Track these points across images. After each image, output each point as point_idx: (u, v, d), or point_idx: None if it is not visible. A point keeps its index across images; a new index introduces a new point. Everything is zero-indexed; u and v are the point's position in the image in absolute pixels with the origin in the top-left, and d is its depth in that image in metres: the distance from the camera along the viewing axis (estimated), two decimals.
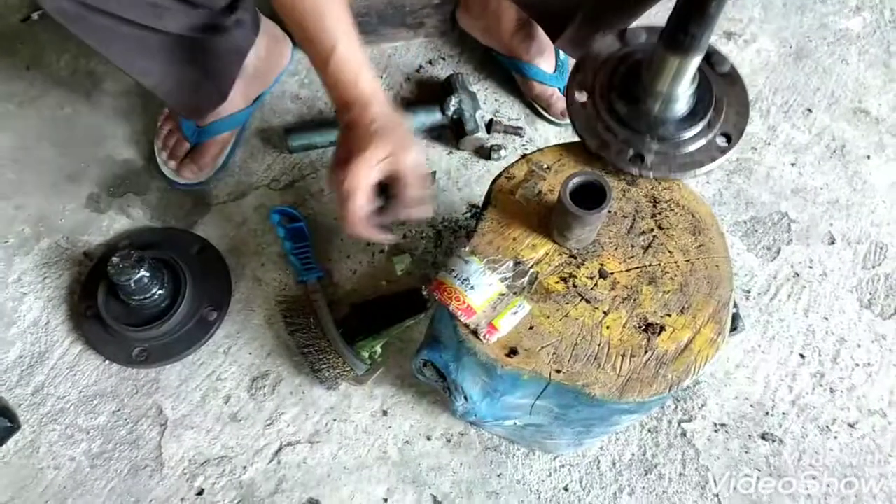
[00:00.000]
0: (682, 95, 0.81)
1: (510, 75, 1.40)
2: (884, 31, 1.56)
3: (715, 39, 1.39)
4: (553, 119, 1.37)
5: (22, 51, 1.41)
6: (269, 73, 1.32)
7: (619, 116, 0.84)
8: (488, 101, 1.40)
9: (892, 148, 1.41)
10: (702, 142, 0.84)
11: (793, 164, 1.38)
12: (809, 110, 1.45)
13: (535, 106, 1.38)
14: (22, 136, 1.33)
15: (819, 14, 1.57)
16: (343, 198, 0.84)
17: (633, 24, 1.12)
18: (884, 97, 1.48)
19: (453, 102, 1.31)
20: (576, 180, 0.80)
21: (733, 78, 0.87)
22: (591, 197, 0.79)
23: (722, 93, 0.85)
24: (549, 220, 0.88)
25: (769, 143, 1.40)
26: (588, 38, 1.18)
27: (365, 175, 0.83)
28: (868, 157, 1.40)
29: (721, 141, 0.85)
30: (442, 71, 1.43)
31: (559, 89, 1.36)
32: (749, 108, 0.87)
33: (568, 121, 1.36)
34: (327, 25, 0.82)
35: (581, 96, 0.86)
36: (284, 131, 1.31)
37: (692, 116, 0.83)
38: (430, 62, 1.44)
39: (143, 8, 0.89)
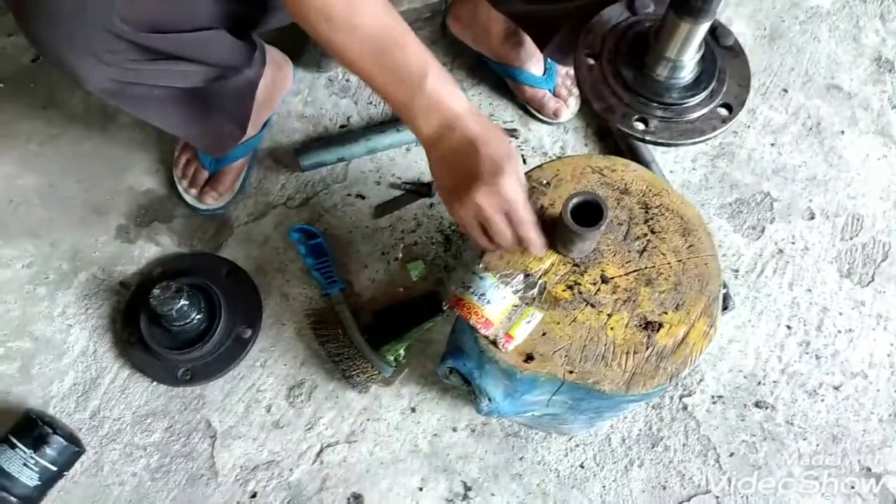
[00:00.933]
0: (689, 63, 0.84)
1: (502, 79, 1.47)
2: (852, 5, 1.64)
3: None
4: (546, 119, 1.46)
5: (36, 91, 1.48)
6: (275, 97, 1.40)
7: (626, 82, 0.87)
8: (483, 105, 1.48)
9: (864, 122, 1.51)
10: (704, 111, 0.88)
11: (772, 145, 1.48)
12: (785, 90, 1.54)
13: (527, 108, 1.47)
14: (47, 175, 1.41)
15: None
16: (493, 220, 0.84)
17: None
18: (854, 72, 1.56)
19: None
20: (575, 200, 0.88)
21: (736, 51, 0.91)
22: (589, 213, 0.88)
23: (725, 64, 0.89)
24: (553, 234, 0.97)
25: (749, 126, 1.49)
26: (574, 47, 1.25)
27: (519, 186, 0.84)
28: (842, 132, 1.49)
29: (722, 111, 0.88)
30: None
31: (549, 91, 1.44)
32: (750, 81, 0.90)
33: (560, 120, 1.45)
34: (411, 51, 0.82)
35: (589, 60, 0.89)
36: (294, 151, 1.39)
37: (696, 85, 0.87)
38: None
39: (173, 75, 0.97)
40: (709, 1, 0.75)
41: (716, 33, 0.89)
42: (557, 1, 1.06)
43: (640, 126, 0.87)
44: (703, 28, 0.79)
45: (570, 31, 1.21)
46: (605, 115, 0.88)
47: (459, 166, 0.84)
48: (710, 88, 0.87)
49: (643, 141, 0.88)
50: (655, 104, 0.87)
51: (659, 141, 0.87)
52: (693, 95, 0.86)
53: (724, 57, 0.89)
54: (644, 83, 0.87)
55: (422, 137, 0.87)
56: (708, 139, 0.88)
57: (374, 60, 0.82)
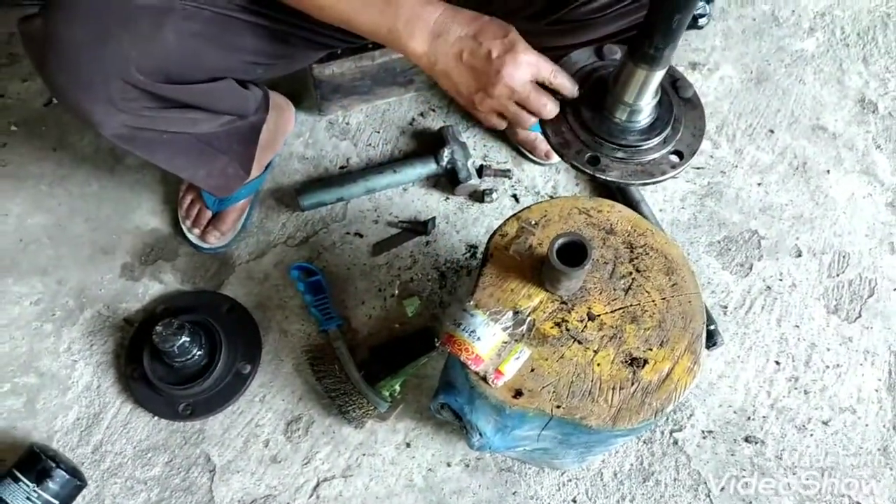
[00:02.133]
0: (644, 108, 0.88)
1: None
2: (836, 49, 1.70)
3: (681, 70, 1.52)
4: (538, 160, 1.50)
5: (47, 134, 1.54)
6: (277, 140, 1.45)
7: (584, 121, 0.90)
8: (477, 147, 1.53)
9: (850, 161, 1.55)
10: (656, 155, 0.91)
11: (759, 184, 1.52)
12: (772, 131, 1.58)
13: (520, 149, 1.51)
14: (56, 214, 1.45)
15: (776, 38, 1.70)
16: (520, 88, 0.86)
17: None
18: (839, 113, 1.61)
19: (446, 154, 1.44)
20: (561, 241, 0.92)
21: (694, 103, 0.95)
22: (575, 253, 0.92)
23: (681, 114, 0.93)
24: (541, 273, 1.01)
25: (737, 166, 1.54)
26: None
27: (530, 49, 0.86)
28: (828, 171, 1.54)
29: (674, 157, 0.92)
30: (433, 122, 1.56)
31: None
32: (704, 132, 0.94)
33: (552, 161, 1.49)
34: None
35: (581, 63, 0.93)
36: (295, 192, 1.44)
37: (650, 130, 0.90)
38: (422, 114, 1.57)
39: (183, 122, 1.02)
40: (662, 49, 0.79)
41: (676, 84, 0.94)
42: (556, 33, 1.09)
43: (592, 164, 0.90)
44: (657, 75, 0.83)
45: None
46: (560, 149, 0.91)
47: (473, 64, 0.86)
48: (664, 135, 0.90)
49: (593, 178, 0.92)
50: (610, 145, 0.90)
51: (608, 179, 0.90)
52: (647, 140, 0.90)
53: (681, 107, 0.93)
54: (601, 124, 0.90)
55: (417, 58, 0.88)
56: (656, 182, 0.92)
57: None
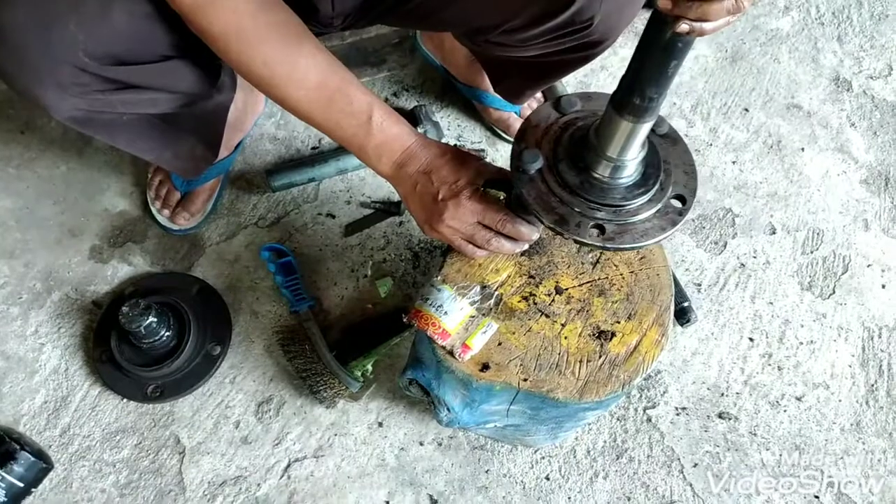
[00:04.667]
0: (633, 161, 0.80)
1: (470, 102, 1.51)
2: (811, 28, 1.69)
3: None
4: (512, 140, 1.49)
5: (14, 116, 1.51)
6: (246, 121, 1.43)
7: (571, 187, 0.81)
8: (451, 128, 1.52)
9: (824, 139, 1.55)
10: (657, 206, 0.82)
11: (734, 162, 1.51)
12: (746, 110, 1.58)
13: (494, 129, 1.50)
14: (23, 197, 1.43)
15: (751, 16, 1.70)
16: (473, 235, 0.90)
17: (566, 92, 1.16)
18: (814, 91, 1.61)
19: None
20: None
21: (673, 138, 0.88)
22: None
23: (667, 154, 0.85)
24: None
25: (711, 144, 1.53)
26: (522, 91, 1.30)
27: (478, 200, 0.89)
28: (802, 149, 1.53)
29: (676, 203, 0.84)
30: (406, 102, 1.54)
31: (516, 113, 1.47)
32: (695, 168, 0.86)
33: None
34: (355, 97, 0.88)
35: (533, 166, 0.83)
36: (266, 173, 1.42)
37: (644, 181, 0.82)
38: (395, 94, 1.55)
39: (143, 104, 0.99)
40: (653, 99, 0.71)
41: None
42: (502, 47, 1.10)
43: (597, 233, 0.81)
44: (646, 127, 0.76)
45: (518, 78, 1.26)
46: (558, 227, 0.81)
47: (423, 198, 0.92)
48: (659, 181, 0.83)
49: (604, 249, 0.82)
50: (607, 207, 0.81)
51: (622, 247, 0.81)
52: (644, 192, 0.82)
53: (663, 146, 0.86)
54: (591, 186, 0.81)
55: (382, 176, 0.95)
56: (668, 236, 0.82)
57: (324, 111, 0.89)
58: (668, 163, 0.85)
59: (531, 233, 0.91)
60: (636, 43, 0.68)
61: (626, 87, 0.72)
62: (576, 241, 0.82)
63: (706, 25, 0.61)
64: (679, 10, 0.60)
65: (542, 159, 0.84)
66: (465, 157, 0.92)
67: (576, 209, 0.81)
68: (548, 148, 0.85)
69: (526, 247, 0.95)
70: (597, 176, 0.81)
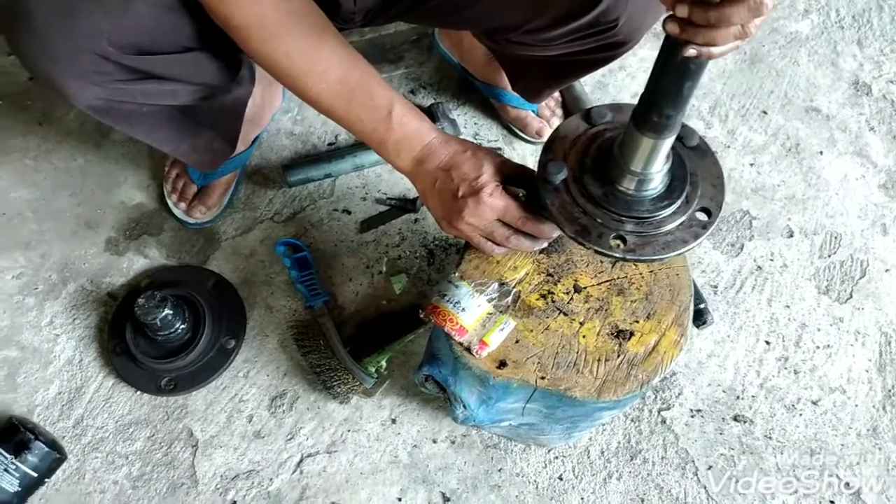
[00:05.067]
0: (657, 174, 0.80)
1: (487, 99, 1.51)
2: (831, 31, 1.68)
3: None
4: (529, 139, 1.49)
5: (32, 108, 1.52)
6: (264, 115, 1.43)
7: (595, 199, 0.82)
8: (468, 125, 1.52)
9: (843, 143, 1.54)
10: (682, 218, 0.82)
11: (752, 165, 1.50)
12: (765, 112, 1.57)
13: (511, 127, 1.50)
14: (40, 188, 1.44)
15: (770, 19, 1.69)
16: (492, 231, 0.90)
17: (596, 103, 1.16)
18: (833, 95, 1.60)
19: None
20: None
21: (703, 150, 0.87)
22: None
23: (695, 166, 0.84)
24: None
25: (729, 147, 1.52)
26: (541, 90, 1.29)
27: (499, 195, 0.87)
28: (820, 152, 1.52)
29: (701, 216, 0.83)
30: (423, 99, 1.54)
31: (533, 111, 1.47)
32: (723, 181, 0.85)
33: (543, 139, 1.48)
34: (376, 92, 0.88)
35: (557, 177, 0.84)
36: (283, 168, 1.42)
37: (669, 194, 0.82)
38: (412, 91, 1.55)
39: (163, 95, 1.00)
40: (672, 117, 0.72)
41: (679, 134, 0.82)
42: (524, 46, 1.10)
43: (619, 244, 0.81)
44: (668, 143, 0.76)
45: (537, 77, 1.25)
46: (579, 238, 0.81)
47: (442, 195, 0.90)
48: (684, 194, 0.82)
49: (624, 260, 0.82)
50: (630, 218, 0.81)
51: (643, 259, 0.81)
52: (668, 205, 0.81)
53: (692, 158, 0.85)
54: (615, 198, 0.81)
55: (401, 172, 0.94)
56: (690, 249, 0.83)
57: (345, 105, 0.89)
58: (696, 175, 0.84)
59: (551, 230, 0.90)
60: (657, 44, 0.67)
61: (645, 105, 0.73)
62: (597, 252, 0.82)
63: (714, 50, 0.61)
64: (687, 34, 0.61)
65: (567, 170, 0.84)
66: (486, 154, 0.91)
67: (598, 220, 0.82)
68: (574, 159, 0.85)
69: (545, 244, 0.94)
70: (621, 189, 0.81)
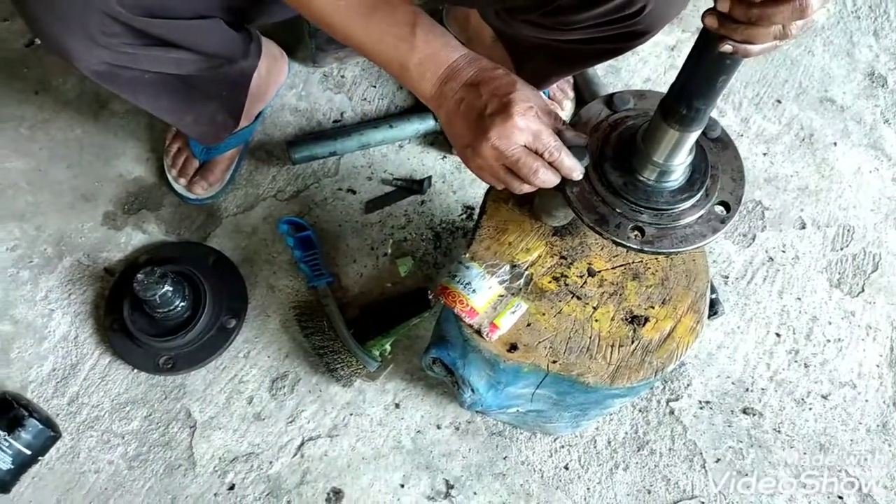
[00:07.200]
0: (680, 167, 0.78)
1: None
2: (847, 21, 1.65)
3: (688, 36, 1.48)
4: None
5: (29, 76, 1.47)
6: (269, 90, 1.39)
7: (614, 188, 0.80)
8: None
9: (857, 134, 1.51)
10: (700, 212, 0.81)
11: (765, 154, 1.48)
12: (779, 101, 1.54)
13: None
14: (35, 159, 1.40)
15: None
16: (518, 159, 0.78)
17: (608, 87, 1.10)
18: (848, 86, 1.57)
19: None
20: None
21: (724, 142, 0.85)
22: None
23: (716, 159, 0.83)
24: (535, 204, 0.95)
25: (742, 135, 1.50)
26: (547, 76, 1.25)
27: (532, 114, 0.77)
28: (834, 143, 1.50)
29: (719, 209, 0.82)
30: None
31: (545, 93, 1.44)
32: (744, 174, 0.84)
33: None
34: (398, 7, 0.79)
35: (582, 163, 0.80)
36: (287, 144, 1.39)
37: (689, 186, 0.80)
38: None
39: (168, 62, 0.96)
40: (702, 111, 0.70)
41: None
42: (539, 28, 1.05)
43: (636, 235, 0.79)
44: (694, 135, 0.74)
45: (545, 63, 1.21)
46: (597, 227, 0.79)
47: (468, 116, 0.79)
48: (704, 187, 0.81)
49: (641, 252, 0.80)
50: (649, 210, 0.80)
51: (660, 251, 0.80)
52: (688, 198, 0.80)
53: (713, 150, 0.83)
54: (635, 188, 0.80)
55: (425, 98, 0.83)
56: (708, 243, 0.81)
57: (365, 22, 0.80)
58: (716, 168, 0.83)
59: (579, 169, 0.80)
60: (670, 30, 0.65)
61: (674, 96, 0.71)
62: (614, 243, 0.80)
63: (752, 48, 0.59)
64: (725, 30, 0.58)
65: (588, 157, 0.81)
66: (520, 77, 0.81)
67: (617, 210, 0.80)
68: (595, 146, 0.83)
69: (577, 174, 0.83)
70: (641, 179, 0.80)
